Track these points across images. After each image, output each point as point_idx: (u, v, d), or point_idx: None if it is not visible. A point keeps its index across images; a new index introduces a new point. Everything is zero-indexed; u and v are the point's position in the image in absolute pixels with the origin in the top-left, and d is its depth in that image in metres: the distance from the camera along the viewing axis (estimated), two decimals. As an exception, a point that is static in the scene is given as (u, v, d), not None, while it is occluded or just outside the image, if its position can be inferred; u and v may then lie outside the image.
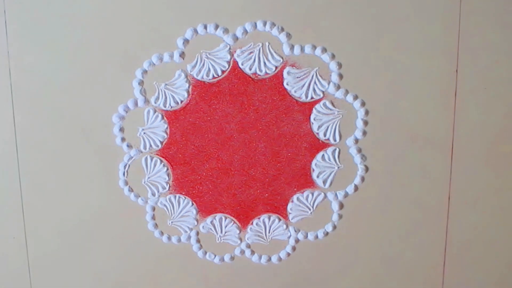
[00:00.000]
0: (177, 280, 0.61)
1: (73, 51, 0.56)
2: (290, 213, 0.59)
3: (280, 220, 0.59)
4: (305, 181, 0.58)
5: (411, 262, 0.59)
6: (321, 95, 0.56)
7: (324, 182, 0.58)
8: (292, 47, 0.55)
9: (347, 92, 0.56)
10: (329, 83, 0.55)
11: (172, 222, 0.60)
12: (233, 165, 0.58)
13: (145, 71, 0.56)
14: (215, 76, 0.56)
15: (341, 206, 0.58)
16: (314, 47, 0.55)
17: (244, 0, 0.54)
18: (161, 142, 0.58)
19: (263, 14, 0.54)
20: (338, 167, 0.57)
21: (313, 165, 0.58)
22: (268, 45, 0.55)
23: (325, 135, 0.57)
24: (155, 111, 0.57)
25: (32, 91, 0.57)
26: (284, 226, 0.59)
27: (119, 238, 0.60)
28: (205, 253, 0.60)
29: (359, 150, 0.57)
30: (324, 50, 0.55)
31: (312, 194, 0.58)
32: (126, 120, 0.57)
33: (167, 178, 0.58)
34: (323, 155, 0.57)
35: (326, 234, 0.59)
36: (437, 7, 0.54)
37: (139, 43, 0.55)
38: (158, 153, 0.58)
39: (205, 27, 0.55)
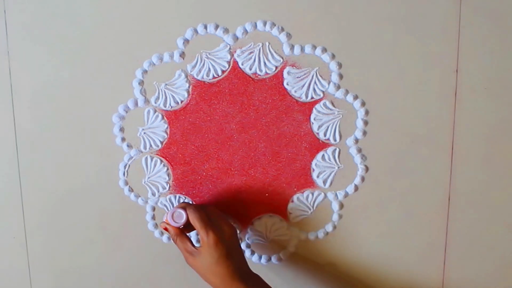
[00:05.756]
0: (177, 280, 0.61)
1: (73, 51, 0.56)
2: (290, 213, 0.59)
3: (280, 220, 0.59)
4: (305, 181, 0.58)
5: (411, 262, 0.59)
6: (321, 95, 0.56)
7: (324, 182, 0.58)
8: (292, 47, 0.55)
9: (347, 92, 0.56)
10: (329, 83, 0.55)
11: (172, 222, 0.60)
12: (233, 165, 0.58)
13: (145, 71, 0.56)
14: (215, 76, 0.56)
15: (341, 206, 0.58)
16: (314, 47, 0.55)
17: (244, 0, 0.54)
18: (161, 142, 0.58)
19: (263, 14, 0.54)
20: (338, 167, 0.57)
21: (313, 165, 0.58)
22: (268, 45, 0.55)
23: (325, 135, 0.57)
24: (155, 111, 0.57)
25: (32, 91, 0.57)
26: (284, 226, 0.59)
27: (119, 238, 0.60)
28: (205, 253, 0.60)
29: (359, 150, 0.57)
30: (324, 50, 0.55)
31: (312, 194, 0.58)
32: (126, 120, 0.57)
33: (167, 178, 0.58)
34: (323, 155, 0.57)
35: (326, 234, 0.59)
36: (437, 7, 0.54)
37: (139, 43, 0.55)
38: (158, 153, 0.58)
39: (205, 27, 0.55)
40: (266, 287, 0.52)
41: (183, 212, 0.52)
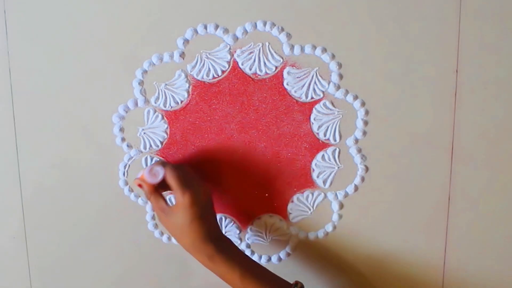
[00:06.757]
0: (177, 280, 0.61)
1: (73, 51, 0.56)
2: (290, 213, 0.59)
3: (280, 220, 0.59)
4: (305, 181, 0.58)
5: (411, 262, 0.59)
6: (321, 95, 0.56)
7: (324, 182, 0.58)
8: (292, 47, 0.55)
9: (347, 92, 0.56)
10: (329, 83, 0.55)
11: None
12: (233, 165, 0.58)
13: (145, 71, 0.56)
14: (215, 76, 0.56)
15: (341, 206, 0.58)
16: (314, 47, 0.55)
17: (244, 0, 0.54)
18: (161, 142, 0.58)
19: (263, 14, 0.54)
20: (338, 167, 0.57)
21: (313, 165, 0.58)
22: (268, 45, 0.55)
23: (325, 135, 0.57)
24: (155, 111, 0.57)
25: (32, 91, 0.57)
26: (284, 226, 0.59)
27: (119, 238, 0.60)
28: (205, 253, 0.60)
29: (359, 150, 0.57)
30: (324, 50, 0.55)
31: (312, 194, 0.58)
32: (126, 120, 0.57)
33: (167, 178, 0.58)
34: (323, 155, 0.57)
35: (326, 234, 0.59)
36: (437, 7, 0.54)
37: (139, 43, 0.55)
38: (158, 153, 0.58)
39: (205, 27, 0.55)
40: (236, 250, 0.52)
41: (160, 170, 0.51)
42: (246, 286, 0.50)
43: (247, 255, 0.54)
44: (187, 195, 0.50)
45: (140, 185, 0.53)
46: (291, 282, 0.52)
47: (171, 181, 0.51)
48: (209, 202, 0.53)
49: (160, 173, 0.51)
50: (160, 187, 0.53)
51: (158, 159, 0.58)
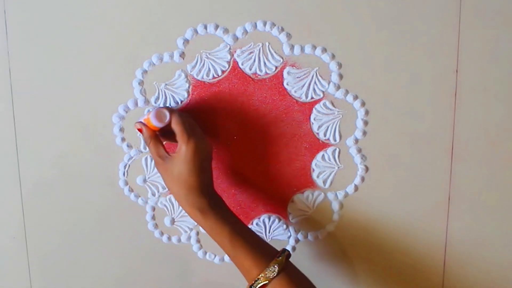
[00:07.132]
0: (177, 280, 0.61)
1: (73, 51, 0.56)
2: (290, 213, 0.59)
3: (280, 220, 0.59)
4: (305, 181, 0.58)
5: (411, 262, 0.59)
6: (321, 95, 0.56)
7: (324, 182, 0.58)
8: (292, 47, 0.55)
9: (347, 92, 0.56)
10: (329, 83, 0.55)
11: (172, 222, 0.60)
12: (233, 165, 0.58)
13: (145, 71, 0.56)
14: (215, 76, 0.56)
15: (341, 206, 0.58)
16: (314, 47, 0.55)
17: (244, 0, 0.54)
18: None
19: (263, 14, 0.54)
20: (338, 167, 0.57)
21: (313, 165, 0.58)
22: (268, 45, 0.55)
23: (325, 135, 0.57)
24: (155, 111, 0.57)
25: (32, 91, 0.57)
26: (284, 226, 0.59)
27: (119, 238, 0.60)
28: (205, 253, 0.60)
29: (359, 150, 0.57)
30: (324, 50, 0.55)
31: (312, 194, 0.58)
32: (126, 120, 0.57)
33: (167, 178, 0.58)
34: (323, 155, 0.57)
35: (326, 234, 0.59)
36: (437, 6, 0.54)
37: (139, 43, 0.55)
38: (158, 153, 0.58)
39: (205, 27, 0.55)
40: (227, 209, 0.51)
41: (167, 113, 0.50)
42: (234, 244, 0.49)
43: (237, 217, 0.52)
44: (192, 143, 0.49)
45: (140, 130, 0.51)
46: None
47: (177, 126, 0.49)
48: (209, 155, 0.51)
49: (167, 117, 0.50)
50: (160, 134, 0.52)
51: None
